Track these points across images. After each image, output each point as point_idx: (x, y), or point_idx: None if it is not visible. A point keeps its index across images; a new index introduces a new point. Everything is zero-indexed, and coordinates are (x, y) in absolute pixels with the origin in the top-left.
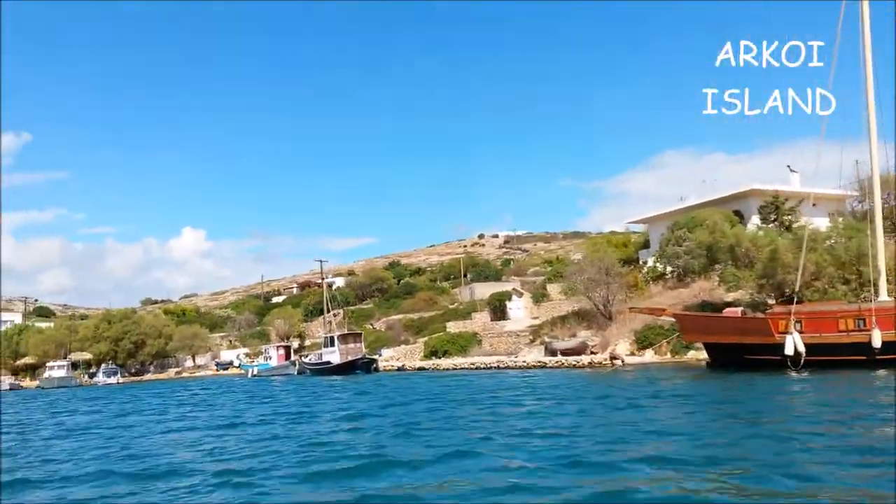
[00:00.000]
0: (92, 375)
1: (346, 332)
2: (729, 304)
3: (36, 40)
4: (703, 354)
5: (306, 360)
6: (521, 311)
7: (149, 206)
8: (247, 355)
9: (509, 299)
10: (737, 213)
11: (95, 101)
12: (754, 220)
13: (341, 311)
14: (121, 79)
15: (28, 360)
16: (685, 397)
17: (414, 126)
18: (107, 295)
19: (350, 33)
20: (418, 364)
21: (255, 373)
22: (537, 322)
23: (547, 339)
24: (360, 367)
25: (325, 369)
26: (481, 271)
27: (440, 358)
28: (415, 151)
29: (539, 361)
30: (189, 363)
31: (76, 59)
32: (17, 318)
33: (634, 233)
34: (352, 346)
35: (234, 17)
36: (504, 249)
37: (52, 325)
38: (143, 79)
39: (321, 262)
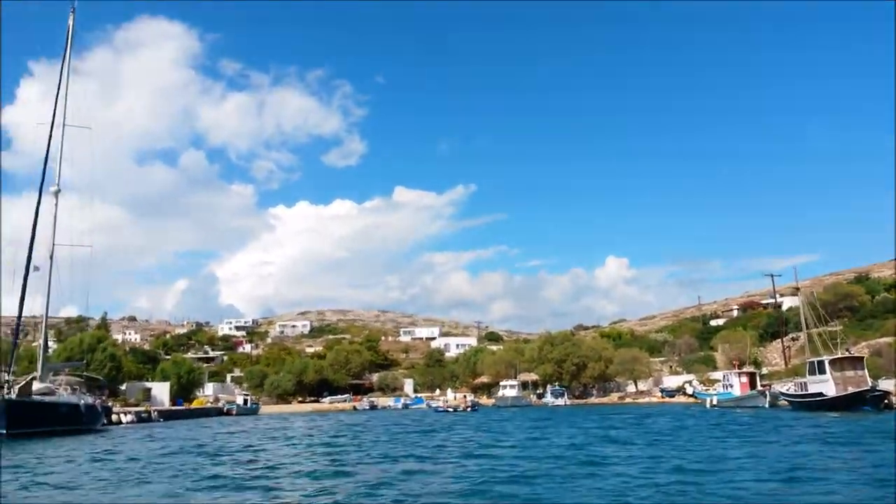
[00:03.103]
0: (540, 396)
1: (839, 355)
2: None
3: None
4: None
5: (784, 389)
6: None
7: (574, 239)
8: (699, 382)
9: None
10: None
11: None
12: None
13: (802, 334)
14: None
15: (483, 378)
16: None
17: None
18: (543, 321)
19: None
20: None
21: (714, 403)
22: None
23: None
24: (870, 401)
25: (816, 403)
26: None
27: None
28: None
29: None
30: (631, 388)
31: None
32: (472, 342)
33: None
34: (850, 373)
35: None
36: None
37: (500, 347)
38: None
39: (772, 276)
